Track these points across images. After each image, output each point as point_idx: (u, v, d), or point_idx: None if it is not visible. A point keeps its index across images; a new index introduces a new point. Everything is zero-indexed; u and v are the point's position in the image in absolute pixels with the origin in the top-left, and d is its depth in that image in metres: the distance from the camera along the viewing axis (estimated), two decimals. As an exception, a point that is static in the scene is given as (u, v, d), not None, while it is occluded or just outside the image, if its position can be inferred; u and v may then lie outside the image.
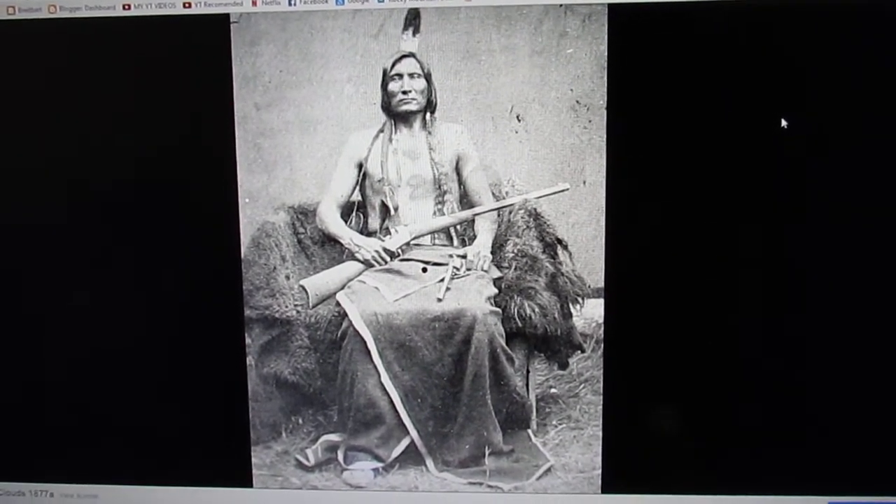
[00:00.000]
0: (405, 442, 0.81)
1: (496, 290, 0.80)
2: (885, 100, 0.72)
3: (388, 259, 0.82)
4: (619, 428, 0.79)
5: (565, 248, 0.79)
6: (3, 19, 0.76)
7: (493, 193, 0.80)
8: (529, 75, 0.76)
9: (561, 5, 0.74)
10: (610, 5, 0.73)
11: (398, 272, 0.81)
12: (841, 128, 0.73)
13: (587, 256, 0.78)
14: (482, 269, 0.81)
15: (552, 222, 0.79)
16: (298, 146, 0.79)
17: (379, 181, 0.82)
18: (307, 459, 0.82)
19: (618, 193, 0.76)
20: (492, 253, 0.81)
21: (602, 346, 0.78)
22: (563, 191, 0.77)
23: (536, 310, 0.80)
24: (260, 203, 0.79)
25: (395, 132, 0.81)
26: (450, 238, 0.83)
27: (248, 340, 0.80)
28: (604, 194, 0.76)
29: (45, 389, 0.82)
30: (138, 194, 0.78)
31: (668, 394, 0.78)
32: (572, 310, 0.80)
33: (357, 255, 0.82)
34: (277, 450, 0.82)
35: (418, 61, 0.77)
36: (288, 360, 0.81)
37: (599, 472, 0.79)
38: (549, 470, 0.80)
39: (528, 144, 0.77)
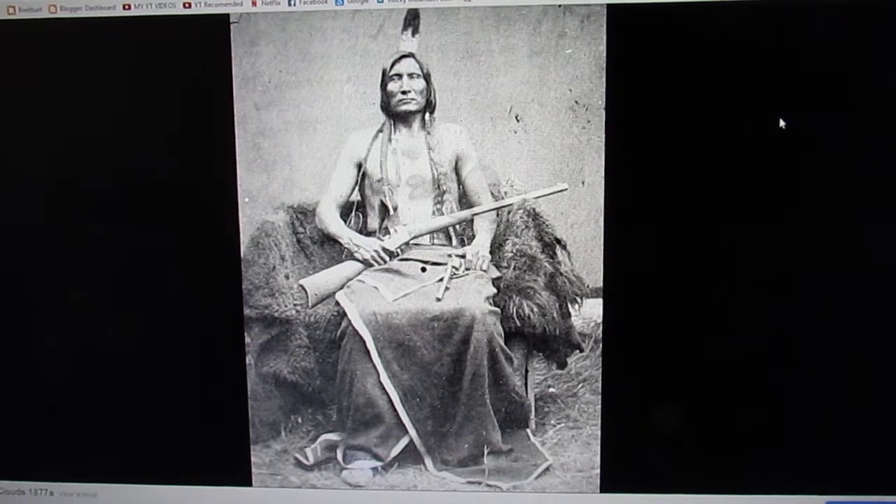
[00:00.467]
0: (404, 441, 0.81)
1: (495, 290, 0.80)
2: (885, 100, 0.72)
3: (387, 259, 0.82)
4: (617, 427, 0.79)
5: (564, 247, 0.79)
6: (4, 19, 0.76)
7: (491, 193, 0.80)
8: (528, 75, 0.76)
9: (560, 6, 0.74)
10: (608, 6, 0.73)
11: (397, 272, 0.82)
12: (840, 128, 0.73)
13: (586, 256, 0.78)
14: (481, 269, 0.81)
15: (551, 222, 0.79)
16: (298, 146, 0.79)
17: (378, 181, 0.82)
18: (306, 458, 0.82)
19: (616, 193, 0.76)
20: (491, 253, 0.81)
21: (600, 345, 0.78)
22: (561, 191, 0.78)
23: (535, 309, 0.80)
24: (259, 203, 0.79)
25: (395, 132, 0.81)
26: (449, 238, 0.83)
27: (247, 339, 0.80)
28: (602, 194, 0.76)
29: (45, 388, 0.83)
30: (138, 193, 0.78)
31: (667, 393, 0.78)
32: (571, 309, 0.80)
33: (356, 254, 0.82)
34: (277, 449, 0.82)
35: (417, 61, 0.77)
36: (287, 360, 0.81)
37: (598, 471, 0.80)
38: (547, 469, 0.80)
39: (526, 144, 0.78)
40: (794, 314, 0.76)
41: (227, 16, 0.76)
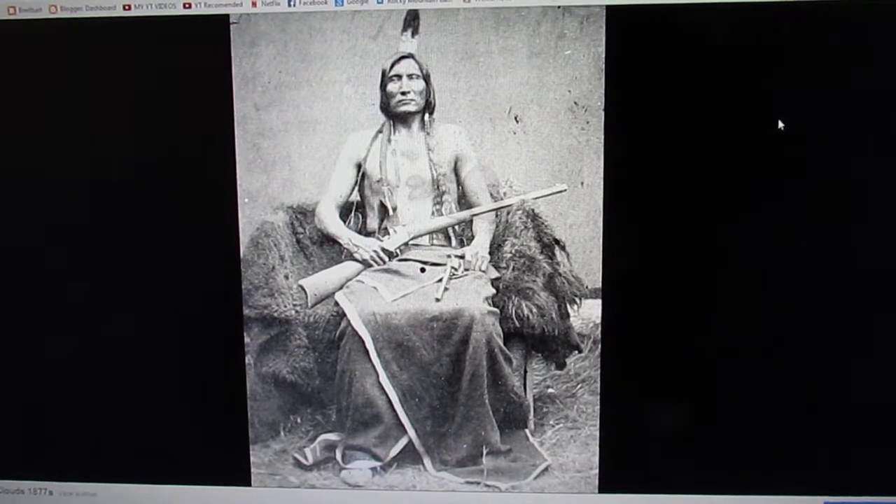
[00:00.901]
0: (403, 441, 0.81)
1: (494, 291, 0.80)
2: (885, 102, 0.72)
3: (386, 259, 0.82)
4: (616, 428, 0.79)
5: (563, 248, 0.79)
6: (4, 19, 0.76)
7: (491, 194, 0.81)
8: (528, 77, 0.76)
9: (559, 7, 0.74)
10: (608, 7, 0.73)
11: (396, 272, 0.82)
12: (840, 130, 0.73)
13: (585, 257, 0.78)
14: (480, 270, 0.81)
15: (550, 223, 0.79)
16: (297, 146, 0.79)
17: (377, 181, 0.82)
18: (305, 458, 0.82)
19: (615, 194, 0.76)
20: (490, 253, 0.81)
21: (599, 346, 0.78)
22: (560, 192, 0.78)
23: (534, 310, 0.80)
24: (259, 203, 0.79)
25: (394, 133, 0.81)
26: (448, 238, 0.83)
27: (246, 339, 0.81)
28: (601, 195, 0.76)
29: (44, 388, 0.83)
30: (137, 193, 0.79)
31: (665, 394, 0.78)
32: (570, 310, 0.80)
33: (356, 255, 0.82)
34: (276, 449, 0.82)
35: (417, 62, 0.77)
36: (286, 360, 0.81)
37: (596, 471, 0.80)
38: (546, 469, 0.80)
39: (526, 145, 0.78)
40: (793, 315, 0.76)
41: (226, 16, 0.76)
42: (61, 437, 0.83)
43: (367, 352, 0.80)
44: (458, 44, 0.76)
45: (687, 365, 0.77)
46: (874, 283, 0.75)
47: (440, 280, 0.80)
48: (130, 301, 0.80)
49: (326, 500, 0.82)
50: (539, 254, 0.80)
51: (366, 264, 0.82)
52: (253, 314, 0.80)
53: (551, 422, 0.82)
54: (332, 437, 0.82)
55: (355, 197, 0.83)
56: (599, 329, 0.78)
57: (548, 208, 0.79)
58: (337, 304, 0.81)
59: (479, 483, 0.81)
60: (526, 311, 0.80)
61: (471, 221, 0.82)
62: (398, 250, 0.83)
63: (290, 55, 0.77)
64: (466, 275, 0.81)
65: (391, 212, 0.82)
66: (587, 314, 0.79)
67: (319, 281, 0.81)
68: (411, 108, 0.79)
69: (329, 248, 0.83)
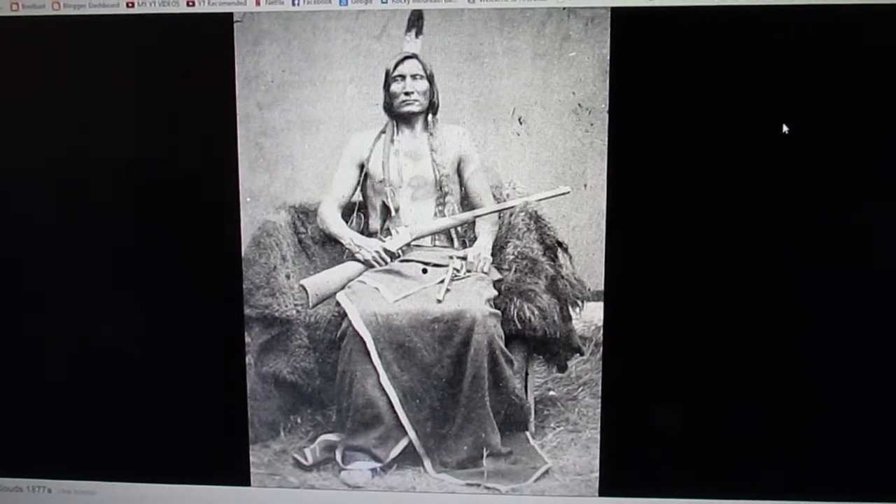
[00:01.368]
0: (403, 442, 0.81)
1: (496, 292, 0.80)
2: (889, 104, 0.72)
3: (388, 260, 0.82)
4: (616, 431, 0.79)
5: (565, 251, 0.79)
6: (7, 15, 0.76)
7: (493, 195, 0.80)
8: (532, 78, 0.76)
9: (564, 8, 0.74)
10: (612, 9, 0.73)
11: (398, 273, 0.82)
12: (844, 133, 0.73)
13: (587, 260, 0.78)
14: (482, 271, 0.81)
15: (553, 225, 0.79)
16: (300, 146, 0.79)
17: (380, 182, 0.82)
18: (305, 459, 0.82)
19: (619, 197, 0.76)
20: (492, 255, 0.81)
21: (601, 349, 0.78)
22: (563, 194, 0.78)
23: (536, 312, 0.80)
24: (261, 202, 0.79)
25: (397, 133, 0.81)
26: (450, 239, 0.83)
27: (247, 339, 0.80)
28: (604, 198, 0.76)
29: (44, 386, 0.83)
30: (139, 191, 0.78)
31: (666, 397, 0.78)
32: (572, 313, 0.80)
33: (357, 255, 0.82)
34: (276, 449, 0.82)
35: (421, 63, 0.77)
36: (287, 360, 0.81)
37: (597, 474, 0.80)
38: (546, 472, 0.80)
39: (529, 147, 0.77)
40: (796, 319, 0.76)
41: (230, 15, 0.76)
42: (60, 435, 0.83)
43: (368, 352, 0.80)
44: (462, 44, 0.76)
45: (688, 368, 0.77)
46: (879, 285, 0.75)
47: (442, 281, 0.80)
48: (131, 299, 0.80)
49: (326, 501, 0.82)
50: (541, 256, 0.80)
51: (367, 265, 0.82)
52: (254, 314, 0.80)
53: (552, 424, 0.82)
54: (332, 437, 0.82)
55: (358, 197, 0.83)
56: (601, 332, 0.78)
57: (551, 210, 0.79)
58: (338, 304, 0.81)
59: (479, 485, 0.80)
60: (528, 314, 0.80)
61: (473, 223, 0.82)
62: (400, 251, 0.82)
63: (293, 54, 0.77)
64: (468, 276, 0.81)
65: (393, 212, 0.82)
66: (589, 317, 0.79)
67: (321, 281, 0.81)
68: (415, 108, 0.79)
69: (331, 249, 0.83)
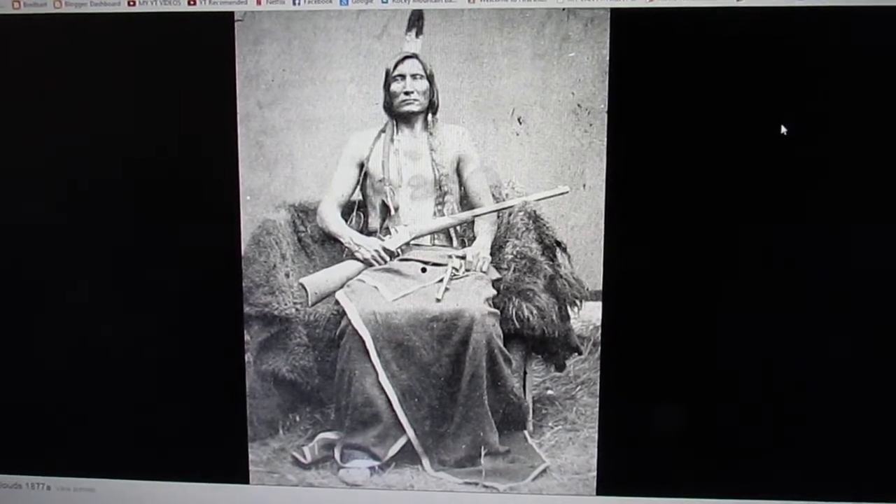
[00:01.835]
0: (402, 441, 0.81)
1: (495, 292, 0.80)
2: (888, 105, 0.72)
3: (387, 259, 0.82)
4: (614, 430, 0.79)
5: (564, 250, 0.79)
6: (9, 13, 0.76)
7: (493, 195, 0.81)
8: (531, 78, 0.76)
9: (564, 9, 0.74)
10: (612, 10, 0.73)
11: (397, 272, 0.82)
12: (843, 133, 0.73)
13: (586, 259, 0.78)
14: (481, 271, 0.81)
15: (551, 225, 0.79)
16: (300, 145, 0.79)
17: (380, 181, 0.82)
18: (304, 457, 0.82)
19: (617, 197, 0.76)
20: (491, 254, 0.81)
21: (599, 348, 0.78)
22: (562, 194, 0.78)
23: (534, 311, 0.80)
24: (261, 201, 0.79)
25: (397, 132, 0.81)
26: (449, 239, 0.83)
27: (246, 337, 0.81)
28: (603, 198, 0.76)
29: (44, 383, 0.83)
30: (140, 190, 0.79)
31: (664, 397, 0.78)
32: (570, 312, 0.81)
33: (357, 254, 0.82)
34: (274, 447, 0.82)
35: (421, 62, 0.77)
36: (286, 358, 0.81)
37: (594, 473, 0.80)
38: (544, 471, 0.80)
39: (528, 147, 0.78)
40: (794, 319, 0.76)
41: (231, 14, 0.76)
42: (60, 432, 0.83)
43: (366, 351, 0.80)
44: (462, 44, 0.76)
45: (686, 368, 0.77)
46: (878, 285, 0.75)
47: (441, 280, 0.80)
48: (131, 297, 0.80)
49: (324, 499, 0.82)
50: (540, 255, 0.80)
51: (367, 263, 0.82)
52: (253, 312, 0.80)
53: (550, 423, 0.82)
54: (330, 435, 0.82)
55: (357, 196, 0.83)
56: (599, 331, 0.78)
57: (549, 210, 0.79)
58: (337, 302, 0.81)
59: (477, 483, 0.81)
60: (526, 313, 0.80)
61: (472, 222, 0.82)
62: (399, 250, 0.83)
63: (294, 53, 0.77)
64: (467, 275, 0.81)
65: (393, 211, 0.82)
66: (587, 316, 0.79)
67: (320, 279, 0.81)
68: (414, 108, 0.79)
69: (330, 247, 0.83)
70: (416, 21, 0.76)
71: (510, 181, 0.79)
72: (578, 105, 0.76)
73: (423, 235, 0.83)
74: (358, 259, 0.82)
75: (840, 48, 0.72)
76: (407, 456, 0.81)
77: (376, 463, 0.81)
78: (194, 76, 0.77)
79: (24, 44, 0.77)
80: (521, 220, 0.80)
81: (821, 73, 0.72)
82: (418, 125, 0.81)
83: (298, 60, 0.77)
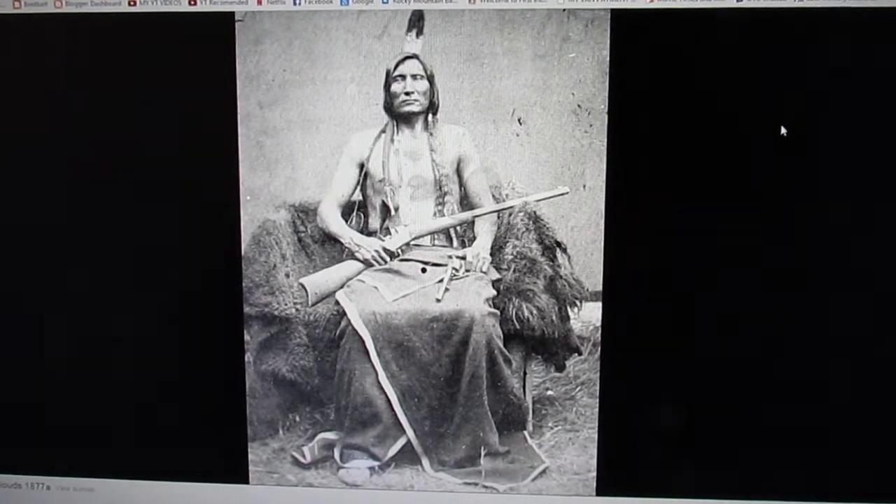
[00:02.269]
0: (401, 441, 0.81)
1: (495, 292, 0.80)
2: (887, 106, 0.72)
3: (387, 259, 0.82)
4: (614, 431, 0.79)
5: (564, 251, 0.79)
6: (9, 13, 0.76)
7: (493, 195, 0.81)
8: (531, 79, 0.76)
9: (564, 10, 0.74)
10: (612, 10, 0.73)
11: (397, 272, 0.82)
12: (842, 135, 0.73)
13: (586, 260, 0.78)
14: (481, 271, 0.81)
15: (552, 225, 0.79)
16: (300, 145, 0.79)
17: (380, 181, 0.82)
18: (304, 457, 0.82)
19: (617, 198, 0.76)
20: (491, 255, 0.82)
21: (599, 349, 0.78)
22: (562, 194, 0.78)
23: (534, 312, 0.80)
24: (261, 201, 0.79)
25: (397, 133, 0.81)
26: (449, 239, 0.83)
27: (246, 337, 0.81)
28: (603, 198, 0.76)
29: (43, 383, 0.83)
30: (140, 190, 0.79)
31: (664, 397, 0.78)
32: (570, 313, 0.81)
33: (357, 254, 0.82)
34: (274, 447, 0.82)
35: (421, 63, 0.77)
36: (286, 358, 0.81)
37: (594, 474, 0.80)
38: (544, 471, 0.80)
39: (528, 147, 0.78)
40: (794, 319, 0.76)
41: (232, 14, 0.76)
42: (59, 431, 0.83)
43: (366, 351, 0.80)
44: (462, 45, 0.76)
45: (686, 368, 0.77)
46: (878, 286, 0.75)
47: (441, 281, 0.80)
48: (131, 297, 0.80)
49: (324, 499, 0.82)
50: (540, 256, 0.80)
51: (367, 264, 0.82)
52: (253, 312, 0.80)
53: (550, 424, 0.82)
54: (330, 435, 0.82)
55: (357, 196, 0.83)
56: (599, 332, 0.78)
57: (550, 211, 0.79)
58: (337, 303, 0.81)
59: (476, 484, 0.81)
60: (526, 313, 0.80)
61: (472, 222, 0.82)
62: (399, 250, 0.83)
63: (294, 54, 0.77)
64: (467, 276, 0.81)
65: (393, 212, 0.82)
66: (587, 317, 0.79)
67: (320, 280, 0.81)
68: (415, 108, 0.79)
69: (330, 247, 0.83)
70: (417, 21, 0.76)
71: (510, 182, 0.79)
72: (579, 106, 0.76)
73: (423, 236, 0.83)
74: (358, 259, 0.82)
75: (840, 49, 0.72)
76: (407, 456, 0.81)
77: (376, 463, 0.81)
78: (195, 76, 0.77)
79: (25, 43, 0.77)
80: (522, 220, 0.80)
81: (821, 74, 0.72)
82: (418, 125, 0.81)
83: (299, 60, 0.77)
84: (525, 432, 0.82)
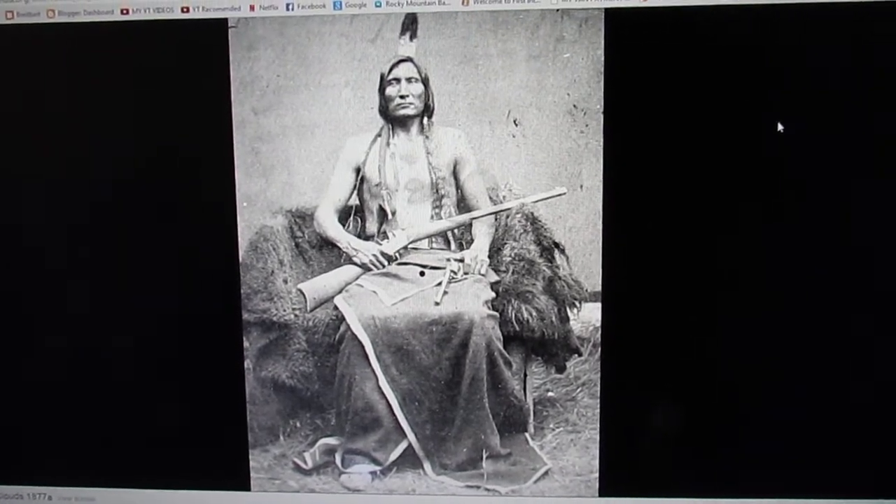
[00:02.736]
0: (403, 445, 0.81)
1: (493, 294, 0.80)
2: (885, 103, 0.72)
3: (385, 263, 0.82)
4: (616, 431, 0.79)
5: (562, 251, 0.79)
6: (2, 24, 0.76)
7: (490, 197, 0.80)
8: (526, 80, 0.76)
9: (558, 10, 0.74)
10: (606, 10, 0.73)
11: (396, 276, 0.82)
12: (840, 131, 0.73)
13: (584, 260, 0.78)
14: (479, 273, 0.81)
15: (549, 226, 0.79)
16: (296, 150, 0.79)
17: (376, 185, 0.82)
18: (305, 463, 0.82)
19: (615, 197, 0.76)
20: (489, 257, 0.81)
21: (599, 349, 0.78)
22: (560, 195, 0.78)
23: (534, 313, 0.80)
24: (258, 207, 0.79)
25: (393, 136, 0.81)
26: (447, 242, 0.83)
27: (245, 344, 0.80)
28: (601, 198, 0.76)
29: (44, 392, 0.83)
30: (136, 198, 0.78)
31: (665, 397, 0.78)
32: (569, 314, 0.80)
33: (355, 258, 0.82)
34: (275, 453, 0.82)
35: (416, 66, 0.77)
36: (286, 364, 0.81)
37: (596, 475, 0.80)
38: (546, 473, 0.80)
39: (525, 149, 0.78)
40: (794, 319, 0.76)
41: (225, 20, 0.76)
42: (60, 441, 0.83)
43: (366, 356, 0.80)
44: (456, 47, 0.76)
45: (687, 368, 0.77)
46: (876, 286, 0.75)
47: (439, 284, 0.80)
48: (130, 305, 0.80)
49: (326, 505, 0.82)
50: (538, 257, 0.80)
51: (365, 268, 0.82)
52: (252, 318, 0.80)
53: (551, 425, 0.82)
54: (331, 441, 0.82)
55: (354, 201, 0.83)
56: (599, 332, 0.78)
57: (547, 211, 0.79)
58: (336, 308, 0.81)
59: (479, 487, 0.80)
60: (525, 315, 0.80)
61: (470, 225, 0.82)
62: (397, 254, 0.82)
63: (288, 59, 0.77)
64: (466, 278, 0.81)
65: (390, 215, 0.82)
66: (587, 317, 0.79)
67: (318, 285, 0.81)
68: (410, 111, 0.79)
69: (328, 252, 0.83)
70: (410, 24, 0.76)
71: (507, 183, 0.79)
72: (574, 106, 0.76)
73: (420, 239, 0.82)
74: (356, 264, 0.82)
75: (837, 45, 0.72)
76: (408, 460, 0.81)
77: (378, 468, 0.81)
78: (189, 84, 0.77)
79: (19, 54, 0.77)
80: (519, 221, 0.80)
81: (817, 71, 0.72)
82: (414, 129, 0.81)
83: (293, 66, 0.77)
84: (526, 434, 0.82)
